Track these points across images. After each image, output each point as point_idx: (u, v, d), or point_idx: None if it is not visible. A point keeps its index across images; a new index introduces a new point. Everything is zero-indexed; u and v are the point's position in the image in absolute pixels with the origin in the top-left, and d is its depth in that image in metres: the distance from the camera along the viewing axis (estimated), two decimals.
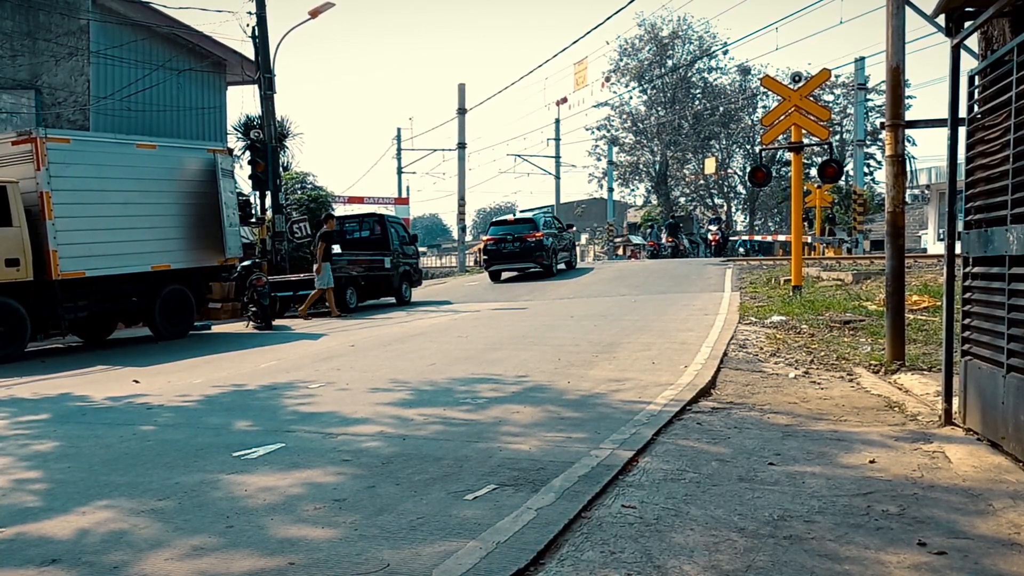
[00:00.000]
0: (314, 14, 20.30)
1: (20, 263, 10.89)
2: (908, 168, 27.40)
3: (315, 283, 15.76)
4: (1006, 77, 4.65)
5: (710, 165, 50.01)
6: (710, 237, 32.57)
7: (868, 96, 42.62)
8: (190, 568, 3.28)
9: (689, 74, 54.62)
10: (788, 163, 39.54)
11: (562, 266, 24.39)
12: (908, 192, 28.11)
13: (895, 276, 7.87)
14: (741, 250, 37.84)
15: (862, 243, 31.95)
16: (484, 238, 25.29)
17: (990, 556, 3.26)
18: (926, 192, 33.22)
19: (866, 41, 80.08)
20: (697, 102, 54.63)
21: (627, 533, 3.57)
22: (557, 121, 45.50)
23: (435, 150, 61.54)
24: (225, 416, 6.46)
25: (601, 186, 56.99)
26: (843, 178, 36.41)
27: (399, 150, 46.29)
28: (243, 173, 20.98)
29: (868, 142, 44.51)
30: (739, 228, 57.01)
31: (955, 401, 5.49)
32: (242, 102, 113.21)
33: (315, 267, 15.68)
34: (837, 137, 47.33)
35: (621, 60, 54.20)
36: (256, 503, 4.12)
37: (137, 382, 8.37)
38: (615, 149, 53.78)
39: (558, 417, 5.98)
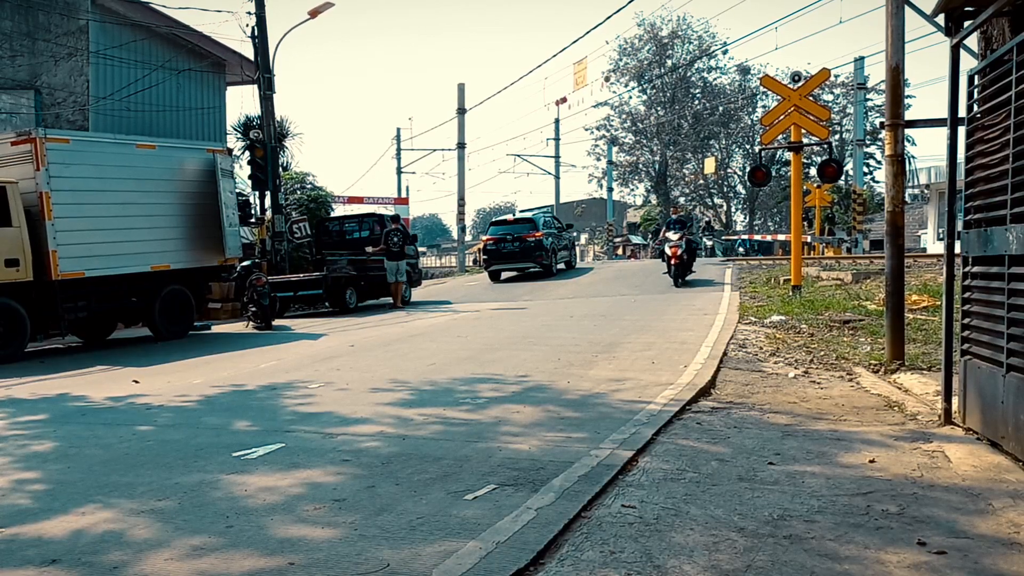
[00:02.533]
0: (313, 14, 20.29)
1: (20, 263, 10.89)
2: (908, 168, 27.40)
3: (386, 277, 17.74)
4: (1006, 77, 4.65)
5: (710, 165, 50.05)
6: (668, 250, 17.93)
7: (868, 96, 42.62)
8: (190, 568, 3.28)
9: (689, 74, 54.64)
10: (788, 163, 39.58)
11: (562, 266, 24.40)
12: (908, 192, 28.08)
13: (895, 276, 7.87)
14: (741, 250, 37.90)
15: (861, 243, 31.96)
16: (484, 238, 25.29)
17: (990, 555, 3.26)
18: (926, 192, 33.23)
19: (866, 41, 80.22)
20: (697, 102, 54.65)
21: (627, 533, 3.57)
22: (557, 121, 45.56)
23: (435, 150, 61.66)
24: (225, 416, 6.46)
25: (601, 186, 57.04)
26: (843, 178, 36.40)
27: (399, 150, 46.29)
28: (243, 173, 21.00)
29: (868, 142, 44.50)
30: (739, 227, 56.92)
31: (955, 401, 5.49)
32: (242, 102, 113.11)
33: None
34: (837, 137, 47.31)
35: (621, 60, 54.27)
36: (256, 503, 4.12)
37: (137, 382, 8.36)
38: (615, 149, 53.80)
39: (558, 417, 5.98)
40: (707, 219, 53.11)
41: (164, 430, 6.02)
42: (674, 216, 19.59)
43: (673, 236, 17.90)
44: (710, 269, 22.39)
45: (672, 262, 17.84)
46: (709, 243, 41.22)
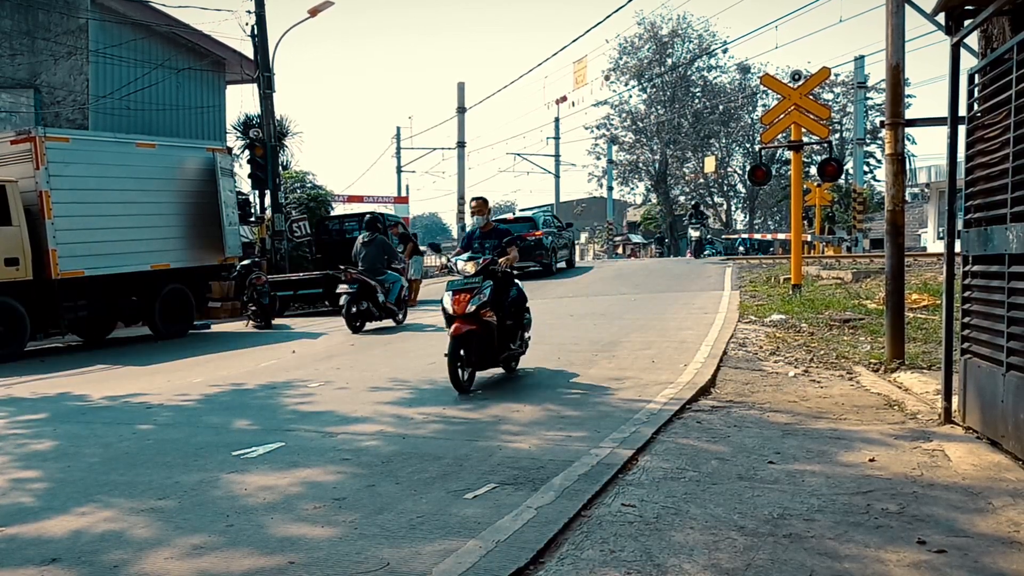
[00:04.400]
0: (313, 12, 20.25)
1: (19, 262, 10.88)
2: (908, 167, 27.35)
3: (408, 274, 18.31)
4: (1006, 75, 4.65)
5: (710, 164, 49.95)
6: (448, 304, 7.22)
7: (868, 95, 42.55)
8: (190, 567, 3.28)
9: (689, 73, 54.56)
10: (788, 162, 39.55)
11: (562, 264, 24.39)
12: (908, 191, 28.01)
13: (895, 275, 7.87)
14: (741, 248, 37.87)
15: (862, 242, 31.93)
16: None
17: (989, 554, 3.26)
18: (926, 191, 33.21)
19: (866, 39, 79.88)
20: (697, 101, 54.56)
21: (627, 532, 3.57)
22: (557, 120, 45.52)
23: (435, 149, 61.51)
24: (224, 415, 6.46)
25: (601, 185, 56.92)
26: (843, 176, 36.30)
27: (398, 149, 46.22)
28: (243, 172, 20.98)
29: (868, 140, 44.44)
30: (739, 226, 56.85)
31: (955, 399, 5.49)
32: (241, 101, 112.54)
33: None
34: (837, 135, 47.24)
35: (621, 58, 54.14)
36: (256, 502, 4.12)
37: (139, 381, 8.36)
38: (615, 148, 53.77)
39: (558, 416, 5.98)
40: (694, 200, 44.66)
41: (164, 429, 6.02)
42: (480, 220, 8.22)
43: (468, 267, 7.46)
44: (710, 268, 22.35)
45: (454, 328, 7.08)
46: (695, 234, 30.12)
